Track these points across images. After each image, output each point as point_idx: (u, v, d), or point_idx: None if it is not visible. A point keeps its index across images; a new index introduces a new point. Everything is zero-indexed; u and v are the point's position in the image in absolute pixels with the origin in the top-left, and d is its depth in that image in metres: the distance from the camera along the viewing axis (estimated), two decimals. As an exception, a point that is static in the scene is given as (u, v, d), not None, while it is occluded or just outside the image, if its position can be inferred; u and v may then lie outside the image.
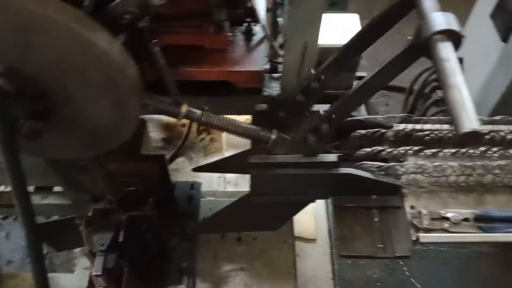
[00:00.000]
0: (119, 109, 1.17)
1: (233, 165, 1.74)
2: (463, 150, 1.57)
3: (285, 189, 1.48)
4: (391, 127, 1.64)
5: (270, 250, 2.27)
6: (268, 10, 1.75)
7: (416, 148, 1.57)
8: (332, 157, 1.40)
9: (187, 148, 3.02)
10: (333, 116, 1.23)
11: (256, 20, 1.57)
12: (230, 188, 2.69)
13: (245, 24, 1.59)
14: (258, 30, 1.62)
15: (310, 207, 2.46)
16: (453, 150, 1.57)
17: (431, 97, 2.97)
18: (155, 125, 3.09)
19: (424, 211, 1.49)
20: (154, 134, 3.09)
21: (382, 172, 1.56)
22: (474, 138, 0.80)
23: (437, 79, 2.93)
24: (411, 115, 1.77)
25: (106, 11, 1.11)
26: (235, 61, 1.51)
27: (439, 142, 1.64)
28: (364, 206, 1.54)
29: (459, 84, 0.86)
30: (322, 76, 1.28)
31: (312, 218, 2.63)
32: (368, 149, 1.54)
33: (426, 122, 1.66)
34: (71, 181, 1.96)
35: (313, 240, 2.59)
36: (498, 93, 2.42)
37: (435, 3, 1.01)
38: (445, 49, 0.92)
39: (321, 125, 1.24)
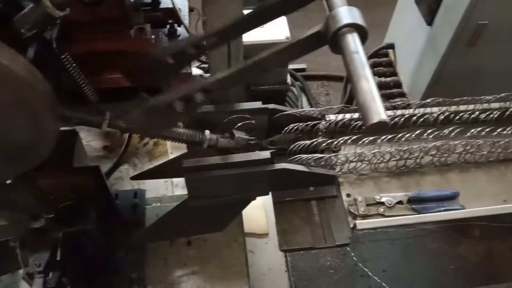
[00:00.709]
0: (33, 125, 1.11)
1: (170, 170, 1.71)
2: (400, 134, 1.63)
3: (222, 190, 1.47)
4: (322, 119, 1.67)
5: (221, 251, 2.25)
6: (192, 9, 1.73)
7: (347, 137, 1.60)
8: (265, 154, 1.40)
9: (131, 155, 2.94)
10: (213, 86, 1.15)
11: (178, 21, 1.54)
12: (178, 192, 2.64)
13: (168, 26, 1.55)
14: (182, 31, 1.59)
15: (261, 201, 2.47)
16: (389, 136, 1.62)
17: (368, 83, 3.06)
18: (95, 133, 2.99)
19: (359, 198, 1.53)
20: (95, 143, 2.99)
21: (320, 163, 1.59)
22: (382, 127, 0.81)
23: (371, 66, 3.02)
24: (349, 105, 1.80)
25: (8, 27, 1.05)
26: (160, 64, 1.47)
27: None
28: (303, 198, 1.55)
29: (367, 76, 0.87)
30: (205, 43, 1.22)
31: (263, 212, 2.64)
32: (302, 142, 1.56)
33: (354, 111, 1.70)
34: (2, 201, 1.86)
35: (265, 235, 2.61)
36: (429, 75, 2.52)
37: (343, -3, 1.02)
38: (354, 42, 0.93)
39: (196, 93, 1.13)
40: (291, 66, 3.70)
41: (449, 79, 2.46)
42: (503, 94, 1.77)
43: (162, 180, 2.72)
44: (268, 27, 1.90)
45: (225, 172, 1.39)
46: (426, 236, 2.79)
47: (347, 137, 1.61)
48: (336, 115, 1.69)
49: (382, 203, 1.53)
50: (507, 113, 1.78)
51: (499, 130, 1.67)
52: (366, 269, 2.56)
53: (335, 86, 3.52)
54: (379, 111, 0.82)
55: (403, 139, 1.62)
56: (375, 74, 3.01)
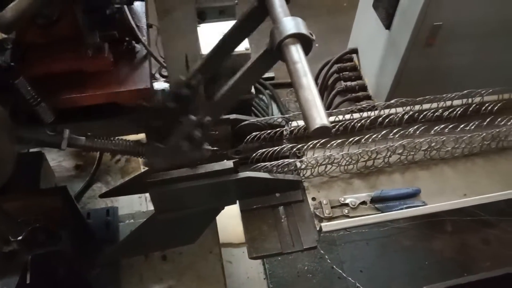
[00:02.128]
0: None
1: (138, 186, 1.72)
2: (367, 135, 1.67)
3: (189, 202, 1.48)
4: (286, 126, 1.71)
5: (197, 263, 2.25)
6: (150, 26, 1.75)
7: (310, 143, 1.64)
8: (228, 164, 1.43)
9: (103, 172, 2.92)
10: (205, 121, 1.23)
11: (136, 38, 1.56)
12: (152, 207, 2.64)
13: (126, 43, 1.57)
14: (141, 48, 1.61)
15: (236, 210, 2.48)
16: (356, 138, 1.67)
17: (335, 87, 3.12)
18: (66, 153, 2.97)
19: (324, 201, 1.57)
20: (66, 163, 2.97)
21: (286, 169, 1.62)
22: (325, 132, 0.85)
23: (336, 71, 3.07)
24: None
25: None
26: (119, 82, 1.48)
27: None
28: (270, 205, 1.57)
29: (309, 84, 0.90)
30: (193, 82, 1.28)
31: (239, 221, 2.66)
32: (265, 150, 1.59)
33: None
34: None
35: (243, 244, 2.62)
36: (391, 77, 2.59)
37: (286, 9, 1.06)
38: (296, 52, 0.96)
39: (193, 131, 1.22)
40: (260, 75, 3.75)
41: (410, 79, 2.53)
42: (465, 92, 1.84)
43: (136, 196, 2.71)
44: (228, 39, 1.94)
45: (190, 184, 1.40)
46: (400, 234, 2.84)
47: (310, 142, 1.65)
48: (298, 121, 1.73)
49: (347, 205, 1.57)
50: (470, 109, 1.85)
51: (462, 126, 1.73)
52: (342, 271, 2.60)
53: (304, 92, 3.56)
54: (321, 117, 0.85)
55: (370, 140, 1.67)
56: (341, 78, 3.07)
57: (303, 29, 0.99)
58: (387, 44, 2.60)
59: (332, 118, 1.79)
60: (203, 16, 2.11)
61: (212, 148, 1.49)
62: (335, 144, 1.66)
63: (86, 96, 1.46)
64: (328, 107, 3.17)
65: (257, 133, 1.63)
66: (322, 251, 2.63)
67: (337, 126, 1.75)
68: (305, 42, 0.99)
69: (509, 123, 1.78)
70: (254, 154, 1.57)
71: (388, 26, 2.55)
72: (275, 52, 0.99)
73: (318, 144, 1.65)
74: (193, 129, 1.21)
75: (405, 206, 1.54)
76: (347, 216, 1.54)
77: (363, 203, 1.58)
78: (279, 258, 2.67)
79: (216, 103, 1.17)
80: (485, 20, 2.31)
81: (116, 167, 2.96)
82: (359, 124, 1.76)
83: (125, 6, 1.54)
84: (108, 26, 1.42)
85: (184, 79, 1.28)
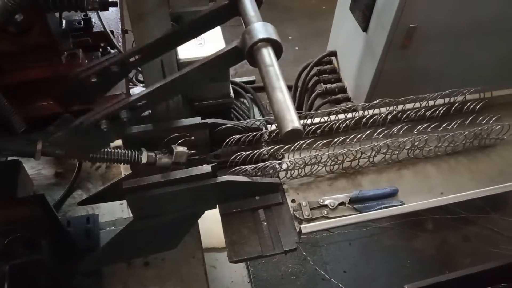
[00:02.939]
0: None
1: (116, 193, 1.70)
2: (351, 136, 1.69)
3: (168, 207, 1.47)
4: (263, 129, 1.71)
5: (179, 268, 2.25)
6: (126, 31, 1.74)
7: (288, 145, 1.65)
8: (206, 168, 1.42)
9: (84, 180, 2.89)
10: (139, 103, 1.17)
11: (111, 43, 1.55)
12: (133, 213, 2.62)
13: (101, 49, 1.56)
14: (117, 53, 1.61)
15: (219, 215, 2.47)
16: (341, 138, 1.69)
17: (315, 90, 3.15)
18: (45, 161, 2.93)
19: (303, 203, 1.57)
20: (46, 171, 2.93)
21: (265, 172, 1.62)
22: (297, 135, 0.86)
23: (316, 74, 3.09)
24: (300, 111, 1.85)
25: None
26: (95, 88, 1.47)
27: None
28: (250, 208, 1.58)
29: (282, 87, 0.91)
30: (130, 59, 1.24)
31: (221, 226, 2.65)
32: (243, 153, 1.59)
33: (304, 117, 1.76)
34: None
35: (226, 248, 2.61)
36: (369, 79, 2.62)
37: (258, 14, 1.07)
38: (269, 55, 0.97)
39: (121, 111, 1.14)
40: (241, 79, 3.76)
41: (387, 80, 2.57)
42: (447, 91, 1.87)
43: (117, 203, 2.69)
44: (206, 44, 1.95)
45: (168, 189, 1.40)
46: (382, 234, 2.88)
47: (290, 144, 1.66)
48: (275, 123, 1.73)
49: (326, 206, 1.58)
50: (453, 108, 1.89)
51: (444, 125, 1.76)
52: (325, 272, 2.61)
53: (285, 95, 3.58)
54: (292, 120, 0.86)
55: (354, 140, 1.69)
56: (321, 81, 3.10)
57: (274, 35, 1.00)
58: (365, 46, 2.63)
59: (317, 120, 1.81)
60: (180, 21, 2.11)
61: (188, 152, 1.50)
62: (321, 144, 1.68)
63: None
64: (308, 109, 3.19)
65: (236, 136, 1.63)
66: (304, 253, 2.64)
67: (322, 127, 1.77)
68: (276, 48, 1.00)
69: (491, 122, 1.81)
70: (232, 158, 1.57)
71: (365, 28, 2.58)
72: (246, 54, 0.99)
73: (304, 145, 1.66)
74: (120, 108, 1.14)
75: (382, 206, 1.56)
76: (326, 217, 1.55)
77: (342, 204, 1.59)
78: (263, 261, 2.68)
79: (160, 87, 1.13)
80: (457, 22, 2.36)
81: (97, 174, 2.93)
82: (343, 125, 1.78)
83: (99, 12, 1.54)
84: (81, 33, 1.41)
85: (121, 56, 1.24)
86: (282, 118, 0.87)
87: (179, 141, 1.50)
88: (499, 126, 1.79)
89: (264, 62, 0.97)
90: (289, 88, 3.56)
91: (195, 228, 2.28)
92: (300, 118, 1.79)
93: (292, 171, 1.65)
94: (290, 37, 4.38)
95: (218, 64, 1.09)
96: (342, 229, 2.76)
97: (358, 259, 2.81)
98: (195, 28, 1.25)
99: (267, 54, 0.98)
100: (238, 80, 3.70)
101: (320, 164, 1.67)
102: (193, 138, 1.48)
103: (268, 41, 0.99)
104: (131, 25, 1.34)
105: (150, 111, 1.63)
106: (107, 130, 1.14)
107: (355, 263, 2.77)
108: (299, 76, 3.29)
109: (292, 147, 1.66)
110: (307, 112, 1.82)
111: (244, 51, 1.01)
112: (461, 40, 2.46)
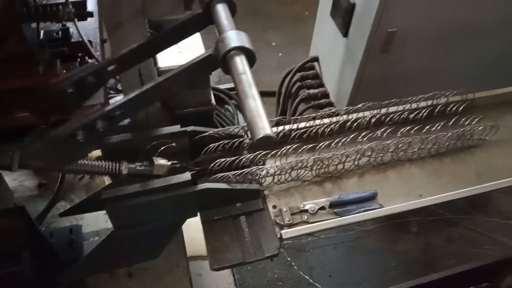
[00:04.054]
0: None
1: (96, 203, 1.69)
2: (337, 139, 1.71)
3: (148, 216, 1.47)
4: (243, 135, 1.72)
5: (163, 278, 2.23)
6: (105, 41, 1.74)
7: (268, 151, 1.66)
8: (185, 176, 1.42)
9: (67, 191, 2.87)
10: (116, 113, 1.16)
11: (89, 53, 1.55)
12: (117, 223, 2.60)
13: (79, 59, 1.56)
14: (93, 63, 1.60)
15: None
16: (327, 142, 1.71)
17: (298, 95, 3.17)
18: (28, 172, 2.90)
19: (284, 208, 1.58)
20: (28, 183, 2.90)
21: (247, 179, 1.63)
22: (269, 142, 0.86)
23: (299, 80, 3.11)
24: (284, 117, 1.86)
25: None
26: (73, 98, 1.47)
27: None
28: (231, 215, 1.58)
29: (254, 95, 0.92)
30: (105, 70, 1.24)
31: (205, 233, 2.65)
32: (223, 160, 1.60)
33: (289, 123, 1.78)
34: None
35: (209, 256, 2.61)
36: (350, 83, 2.65)
37: (232, 22, 1.08)
38: (241, 63, 0.98)
39: (97, 122, 1.14)
40: (225, 86, 3.77)
41: (369, 85, 2.59)
42: (430, 94, 1.90)
43: (101, 213, 2.66)
44: (186, 51, 1.96)
45: (147, 198, 1.40)
46: (367, 237, 2.90)
47: (269, 150, 1.66)
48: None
49: (306, 211, 1.59)
50: (436, 110, 1.92)
51: (427, 127, 1.79)
52: (311, 277, 2.62)
53: (269, 101, 3.61)
54: (264, 127, 0.87)
55: (339, 144, 1.71)
56: (304, 86, 3.12)
57: (247, 44, 1.01)
58: (345, 52, 2.66)
59: (302, 125, 1.83)
60: (161, 29, 2.11)
61: (168, 163, 1.49)
62: (306, 149, 1.69)
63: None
64: (292, 114, 3.21)
65: (216, 143, 1.63)
66: (289, 258, 2.65)
67: (307, 132, 1.79)
68: (249, 56, 1.01)
69: (473, 123, 1.84)
70: (212, 165, 1.58)
71: (345, 34, 2.61)
72: (220, 62, 1.00)
73: (290, 150, 1.67)
74: (96, 119, 1.14)
75: (362, 209, 1.57)
76: (307, 222, 1.56)
77: (322, 208, 1.60)
78: (249, 268, 2.67)
79: (135, 97, 1.13)
80: (434, 26, 2.40)
81: (80, 184, 2.90)
82: (328, 129, 1.80)
83: (77, 22, 1.54)
84: (60, 42, 1.40)
85: (96, 66, 1.24)
86: (254, 126, 0.88)
87: (159, 150, 1.50)
88: (481, 127, 1.82)
89: (237, 70, 0.98)
90: (273, 94, 3.59)
91: (179, 236, 2.27)
92: (284, 123, 1.83)
93: (279, 176, 1.66)
94: (273, 44, 4.41)
95: (193, 72, 1.09)
96: (327, 233, 2.77)
97: (343, 263, 2.82)
98: (172, 36, 1.26)
99: (240, 62, 0.99)
100: (222, 87, 3.71)
101: (306, 169, 1.68)
102: (174, 144, 1.48)
103: (241, 49, 1.00)
104: (107, 35, 1.35)
105: (129, 120, 1.63)
106: (84, 141, 1.14)
107: (341, 267, 2.78)
108: (283, 82, 3.31)
109: (279, 153, 1.67)
110: (291, 117, 1.84)
111: (217, 59, 1.01)
112: (440, 44, 2.50)
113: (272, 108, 3.48)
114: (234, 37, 1.02)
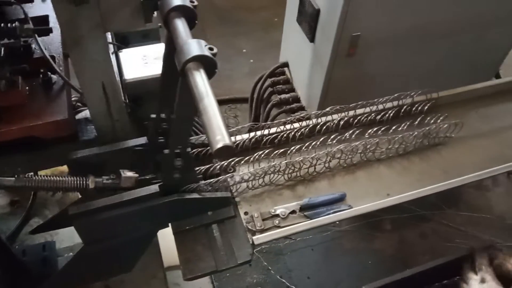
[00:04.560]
0: None
1: (67, 219, 1.67)
2: (307, 143, 1.73)
3: (118, 230, 1.46)
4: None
5: (141, 290, 2.23)
6: (68, 56, 1.73)
7: (238, 158, 1.67)
8: (153, 188, 1.43)
9: (40, 207, 2.84)
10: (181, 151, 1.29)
11: (52, 69, 1.54)
12: (93, 237, 2.57)
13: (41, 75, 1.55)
14: (58, 79, 1.59)
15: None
16: (297, 146, 1.72)
17: (270, 101, 3.20)
18: (-1, 190, 2.85)
19: (255, 214, 1.60)
20: (0, 200, 2.85)
21: (215, 187, 1.64)
22: (228, 151, 0.88)
23: (270, 85, 3.13)
24: (257, 123, 1.88)
25: None
26: (35, 115, 1.46)
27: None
28: (202, 224, 1.58)
29: (212, 105, 0.94)
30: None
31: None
32: (196, 169, 1.60)
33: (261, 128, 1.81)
34: None
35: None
36: (319, 88, 2.69)
37: (189, 33, 1.10)
38: (198, 73, 0.99)
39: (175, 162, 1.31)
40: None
41: (337, 88, 2.64)
42: (396, 95, 1.95)
43: (75, 228, 2.64)
44: (151, 62, 1.96)
45: (116, 212, 1.39)
46: (343, 237, 2.94)
47: (238, 158, 1.68)
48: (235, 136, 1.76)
49: (277, 215, 1.61)
50: (402, 111, 1.96)
51: (394, 127, 1.83)
52: (289, 280, 2.64)
53: (242, 107, 3.63)
54: (223, 137, 0.89)
55: (310, 147, 1.73)
56: (275, 92, 3.15)
57: (206, 51, 1.02)
58: (313, 56, 2.70)
59: (273, 130, 1.85)
60: (126, 41, 2.11)
61: (136, 175, 1.50)
62: (278, 153, 1.70)
63: (1, 132, 1.43)
64: (265, 119, 3.24)
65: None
66: (265, 263, 2.67)
67: (279, 137, 1.81)
68: (208, 65, 1.02)
69: (438, 121, 1.89)
70: (181, 175, 1.58)
71: (312, 39, 2.65)
72: (180, 73, 1.01)
73: (262, 155, 1.68)
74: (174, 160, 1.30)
75: (331, 211, 1.60)
76: (278, 227, 1.58)
77: (293, 212, 1.62)
78: (228, 274, 2.68)
79: (176, 131, 1.22)
80: (396, 28, 2.46)
81: (53, 200, 2.87)
82: (299, 133, 1.82)
83: (38, 38, 1.53)
84: (18, 60, 1.39)
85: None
86: (213, 136, 0.90)
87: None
88: (446, 125, 1.88)
89: (193, 80, 0.99)
90: (246, 100, 3.61)
91: (155, 247, 2.27)
92: (257, 129, 1.85)
93: (252, 182, 1.67)
94: (244, 50, 4.44)
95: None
96: (304, 235, 2.80)
97: (321, 264, 2.85)
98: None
99: (196, 72, 1.00)
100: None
101: (279, 173, 1.70)
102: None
103: (198, 59, 1.01)
104: (68, 50, 1.35)
105: (96, 134, 1.63)
106: None
107: (318, 268, 2.81)
108: (254, 88, 3.34)
109: (251, 159, 1.68)
110: (263, 123, 1.86)
111: (178, 71, 1.02)
112: (403, 45, 2.57)
113: (245, 114, 3.50)
114: (190, 47, 1.03)
